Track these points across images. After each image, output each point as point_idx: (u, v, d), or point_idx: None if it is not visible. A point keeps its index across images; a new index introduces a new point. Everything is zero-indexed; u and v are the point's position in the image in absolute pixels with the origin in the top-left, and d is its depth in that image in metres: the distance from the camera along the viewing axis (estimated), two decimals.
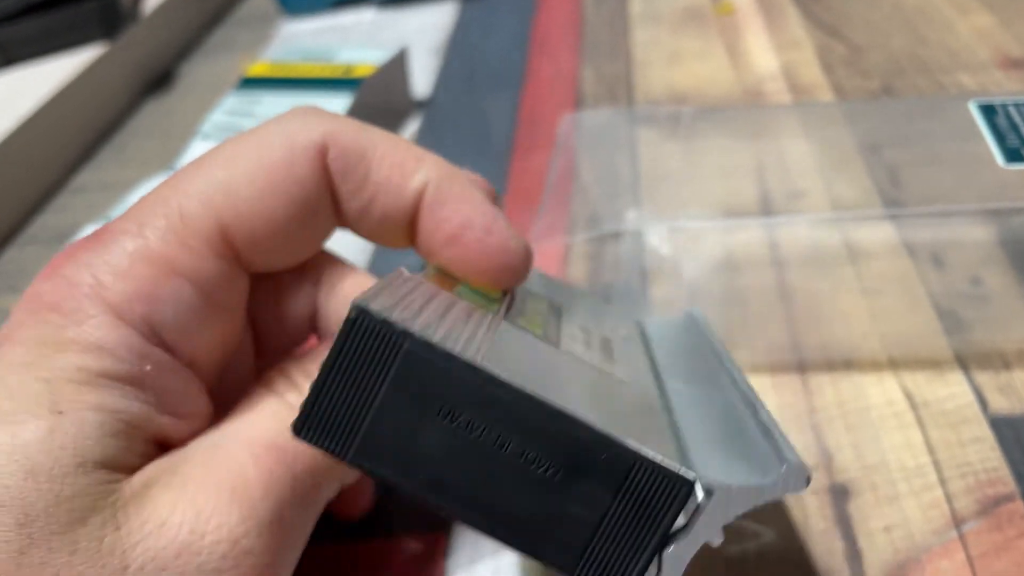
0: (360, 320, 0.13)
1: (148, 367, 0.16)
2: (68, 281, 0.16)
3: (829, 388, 0.26)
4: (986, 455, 0.23)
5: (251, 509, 0.16)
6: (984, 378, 0.25)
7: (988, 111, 0.26)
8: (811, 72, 0.41)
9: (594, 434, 0.13)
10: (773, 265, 0.29)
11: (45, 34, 0.49)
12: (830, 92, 0.39)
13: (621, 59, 0.45)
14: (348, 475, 0.19)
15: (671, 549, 0.14)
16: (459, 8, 0.54)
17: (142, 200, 0.18)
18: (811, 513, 0.22)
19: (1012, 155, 0.26)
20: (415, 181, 0.19)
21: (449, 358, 0.13)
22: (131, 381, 0.16)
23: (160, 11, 0.54)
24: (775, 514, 0.22)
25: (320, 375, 0.14)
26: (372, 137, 0.19)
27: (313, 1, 0.57)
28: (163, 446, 0.17)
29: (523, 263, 0.19)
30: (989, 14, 0.42)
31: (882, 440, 0.24)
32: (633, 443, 0.13)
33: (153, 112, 0.50)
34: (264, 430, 0.17)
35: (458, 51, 0.50)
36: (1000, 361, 0.25)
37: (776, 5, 0.47)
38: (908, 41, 0.41)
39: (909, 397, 0.25)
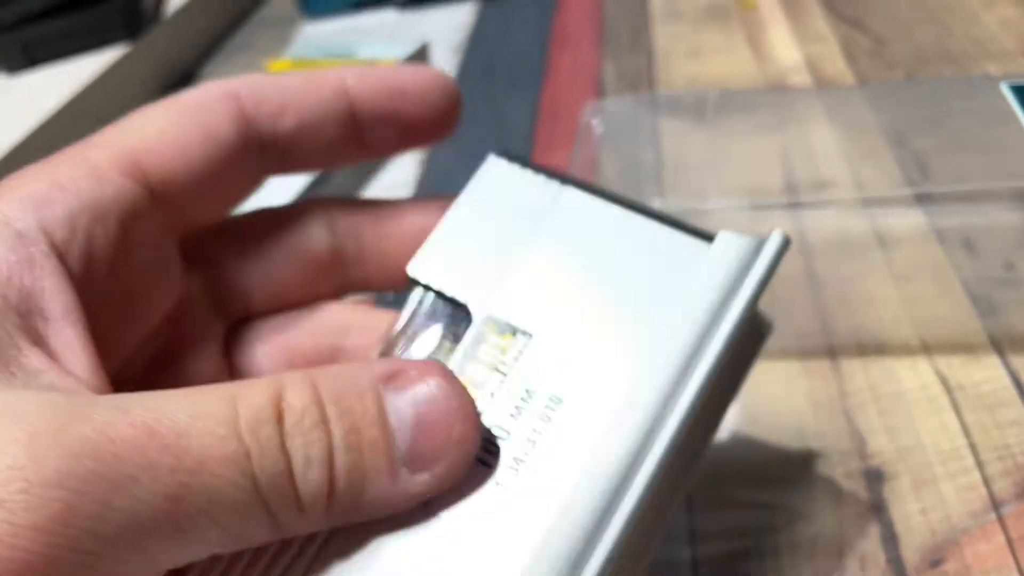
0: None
1: (14, 259, 0.15)
2: None
3: (860, 373, 0.25)
4: None
5: (34, 461, 0.12)
6: (1020, 361, 0.24)
7: (1022, 92, 0.26)
8: (835, 64, 0.40)
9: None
10: (801, 252, 0.29)
11: (68, 35, 0.49)
12: (854, 83, 0.39)
13: (642, 53, 0.45)
14: (290, 519, 0.14)
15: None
16: (479, 8, 0.55)
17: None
18: (845, 497, 0.22)
19: None
20: (333, 78, 0.19)
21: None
22: None
23: (182, 12, 0.54)
24: (808, 498, 0.22)
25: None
26: (288, 75, 0.20)
27: (334, 2, 0.57)
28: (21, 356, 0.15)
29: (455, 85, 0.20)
30: (1014, 5, 0.42)
31: (916, 424, 0.23)
32: None
33: None
34: (160, 414, 0.13)
35: (478, 48, 0.50)
36: None
37: None
38: (933, 32, 0.41)
39: (943, 381, 0.24)
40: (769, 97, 0.36)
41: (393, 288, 0.21)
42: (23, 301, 0.15)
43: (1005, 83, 0.27)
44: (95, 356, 0.16)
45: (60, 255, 0.16)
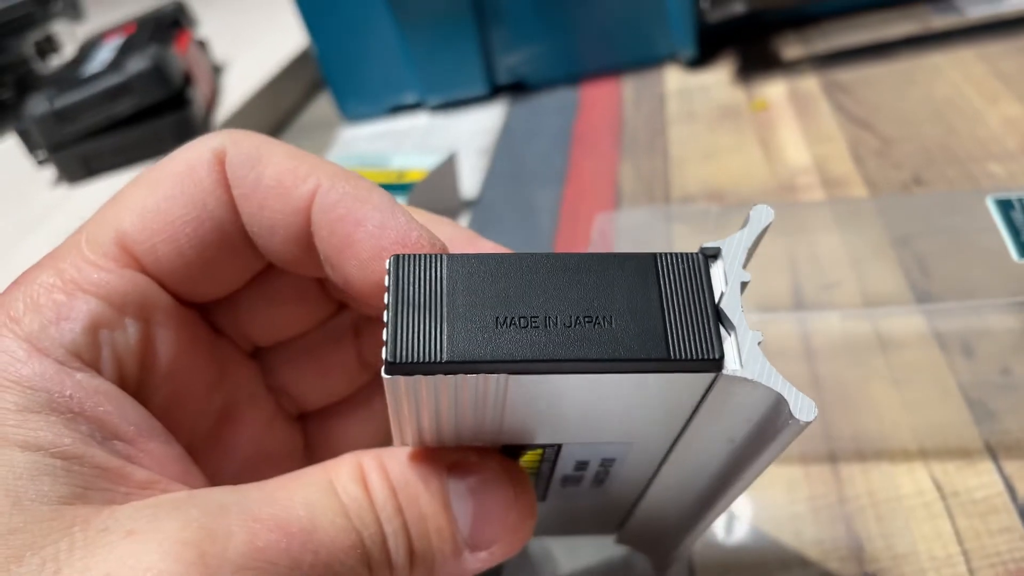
0: (401, 259, 0.15)
1: (68, 392, 0.16)
2: None
3: (860, 478, 0.26)
4: (1015, 544, 0.23)
5: None
6: (1013, 467, 0.25)
7: (1005, 206, 0.27)
8: (842, 165, 0.42)
9: (613, 257, 0.16)
10: (805, 356, 0.30)
11: (124, 148, 0.53)
12: (861, 184, 0.40)
13: (659, 156, 0.47)
14: None
15: (722, 301, 0.15)
16: (506, 111, 0.58)
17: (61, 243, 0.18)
18: None
19: None
20: (306, 184, 0.18)
21: (479, 259, 0.16)
22: (55, 410, 0.15)
23: (230, 122, 0.58)
24: None
25: (387, 315, 0.15)
26: (270, 145, 0.18)
27: (371, 108, 0.61)
28: (128, 478, 0.16)
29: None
30: (1019, 103, 0.43)
31: (912, 530, 0.24)
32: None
33: None
34: (284, 511, 0.15)
35: (504, 152, 0.53)
36: None
37: (808, 100, 0.49)
38: (938, 132, 0.43)
39: (939, 487, 0.25)
40: (776, 209, 0.38)
41: None
42: (98, 431, 0.16)
43: (990, 197, 0.28)
44: (183, 454, 0.18)
45: (97, 369, 0.17)
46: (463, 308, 0.15)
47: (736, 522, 0.26)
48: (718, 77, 0.54)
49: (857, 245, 0.34)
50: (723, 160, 0.45)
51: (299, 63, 0.66)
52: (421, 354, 0.15)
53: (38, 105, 0.50)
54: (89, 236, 0.18)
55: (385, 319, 0.15)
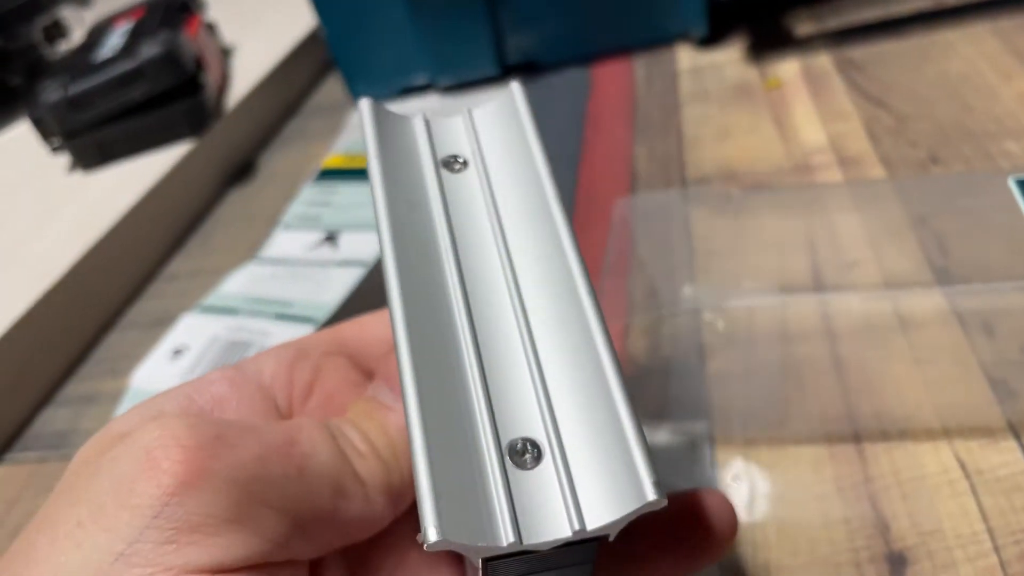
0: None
1: None
2: None
3: (884, 457, 0.27)
4: None
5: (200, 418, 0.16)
6: None
7: None
8: (858, 143, 0.42)
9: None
10: (826, 337, 0.31)
11: (138, 135, 0.53)
12: (877, 162, 0.40)
13: (673, 136, 0.47)
14: (373, 469, 0.19)
15: None
16: None
17: None
18: None
19: None
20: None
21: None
22: None
23: (241, 106, 0.58)
24: None
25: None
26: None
27: (381, 90, 0.61)
28: None
29: None
30: None
31: (937, 508, 0.25)
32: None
33: (236, 202, 0.54)
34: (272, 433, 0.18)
35: None
36: None
37: (823, 77, 0.49)
38: (953, 109, 0.43)
39: (963, 465, 0.26)
40: (794, 191, 0.38)
41: None
42: None
43: (1011, 177, 0.28)
44: None
45: None
46: None
47: (761, 502, 0.26)
48: (730, 55, 0.54)
49: (876, 226, 0.34)
50: (738, 140, 0.45)
51: (308, 45, 0.66)
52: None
53: (52, 92, 0.50)
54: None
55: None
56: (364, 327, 0.23)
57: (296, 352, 0.21)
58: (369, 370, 0.22)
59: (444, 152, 0.20)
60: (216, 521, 0.15)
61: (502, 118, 0.20)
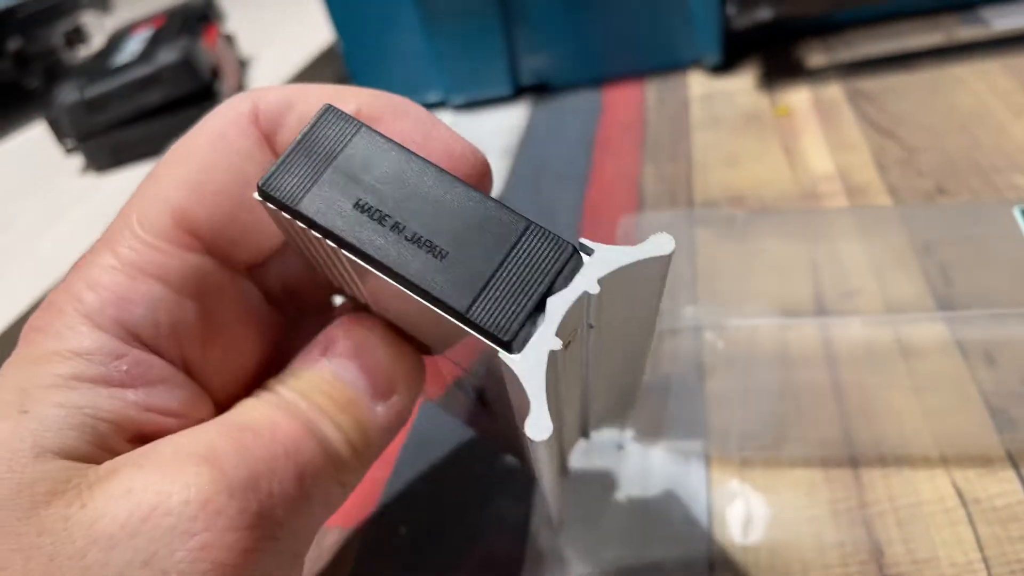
0: (329, 111, 0.17)
1: (124, 367, 0.17)
2: (51, 304, 0.17)
3: (881, 483, 0.26)
4: None
5: (222, 472, 0.15)
6: None
7: None
8: (866, 173, 0.42)
9: (496, 206, 0.16)
10: (826, 361, 0.31)
11: (153, 138, 0.54)
12: (885, 192, 0.40)
13: (682, 160, 0.47)
14: (345, 475, 0.19)
15: (554, 297, 0.16)
16: (529, 112, 0.58)
17: (111, 223, 0.18)
18: None
19: None
20: (346, 107, 0.18)
21: (388, 145, 0.17)
22: (105, 381, 0.16)
23: None
24: None
25: (288, 148, 0.17)
26: (301, 88, 0.19)
27: None
28: None
29: (474, 170, 0.19)
30: None
31: (933, 536, 0.24)
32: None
33: None
34: (242, 415, 0.17)
35: (527, 152, 0.53)
36: None
37: (832, 107, 0.49)
38: (962, 143, 0.43)
39: (960, 494, 0.26)
40: (799, 216, 0.38)
41: None
42: (145, 406, 0.17)
43: (1017, 207, 0.28)
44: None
45: (156, 351, 0.18)
46: (342, 177, 0.17)
47: (755, 524, 0.26)
48: (742, 83, 0.55)
49: (879, 252, 0.34)
50: (746, 166, 0.45)
51: (324, 59, 0.67)
52: (283, 193, 0.16)
53: (69, 94, 0.51)
54: (140, 217, 0.18)
55: (286, 149, 0.17)
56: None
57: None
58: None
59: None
60: None
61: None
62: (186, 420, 0.18)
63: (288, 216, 0.16)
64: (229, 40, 0.65)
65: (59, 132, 0.52)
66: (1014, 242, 0.29)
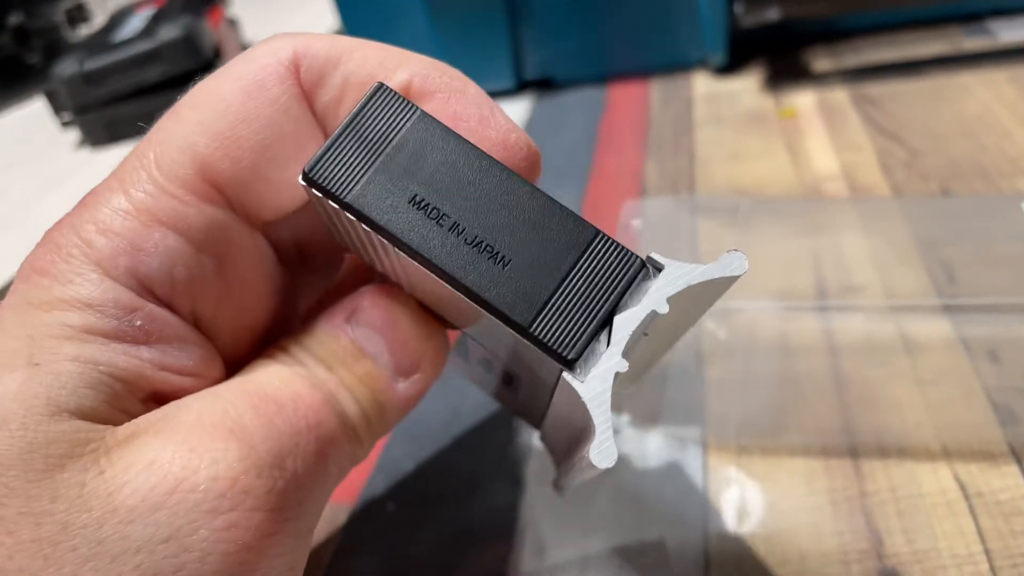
0: (381, 90, 0.16)
1: (138, 322, 0.16)
2: (56, 244, 0.16)
3: (881, 474, 0.26)
4: None
5: (250, 449, 0.15)
6: None
7: None
8: (870, 174, 0.42)
9: (561, 211, 0.15)
10: (828, 352, 0.30)
11: (150, 115, 0.53)
12: (889, 192, 0.40)
13: (684, 156, 0.47)
14: (357, 451, 0.18)
15: (622, 315, 0.15)
16: (532, 106, 0.58)
17: (124, 159, 0.17)
18: None
19: None
20: (398, 76, 0.17)
21: (446, 134, 0.16)
22: (118, 336, 0.15)
23: None
24: None
25: (337, 129, 0.15)
26: (347, 43, 0.18)
27: None
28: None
29: (526, 162, 0.18)
30: None
31: (934, 527, 0.24)
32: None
33: None
34: (264, 384, 0.16)
35: None
36: None
37: (837, 110, 0.49)
38: (967, 148, 0.43)
39: (962, 487, 0.25)
40: (802, 205, 0.38)
41: None
42: (160, 364, 0.16)
43: None
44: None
45: (170, 307, 0.17)
46: (397, 167, 0.15)
47: (751, 511, 0.26)
48: (747, 85, 0.54)
49: (883, 246, 0.34)
50: (749, 163, 0.45)
51: None
52: (333, 182, 0.15)
53: (68, 66, 0.50)
54: (160, 159, 0.16)
55: (334, 132, 0.16)
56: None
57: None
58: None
59: None
60: None
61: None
62: (200, 380, 0.17)
63: (335, 206, 0.15)
64: (232, 24, 0.65)
65: (56, 105, 0.52)
66: (1021, 238, 0.29)
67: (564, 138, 0.52)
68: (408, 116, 0.16)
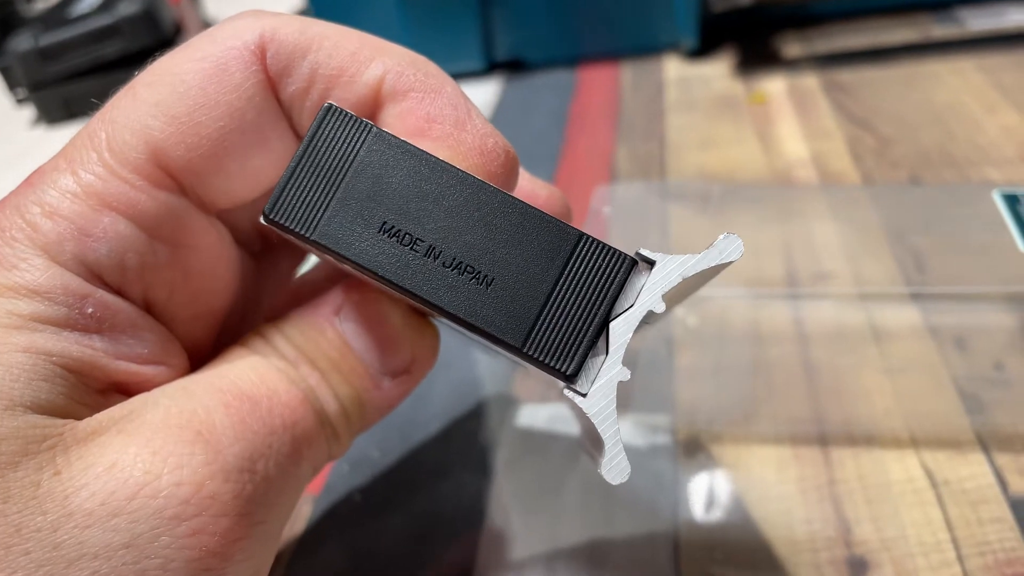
0: (331, 112, 0.15)
1: (89, 309, 0.15)
2: (0, 227, 0.15)
3: (850, 462, 0.26)
4: (1005, 535, 0.23)
5: (217, 453, 0.14)
6: (1005, 460, 0.25)
7: (1011, 200, 0.27)
8: (840, 161, 0.42)
9: (540, 218, 0.14)
10: (798, 340, 0.30)
11: (108, 92, 0.52)
12: (859, 180, 0.40)
13: (655, 141, 0.47)
14: (334, 449, 0.18)
15: (618, 319, 0.14)
16: (502, 88, 0.57)
17: (74, 136, 0.16)
18: None
19: None
20: (371, 70, 0.16)
21: (405, 150, 0.15)
22: (69, 324, 0.15)
23: None
24: None
25: (291, 163, 0.15)
26: (318, 29, 0.16)
27: None
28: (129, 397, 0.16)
29: (503, 168, 0.17)
30: (1016, 113, 0.43)
31: (902, 515, 0.24)
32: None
33: None
34: (238, 379, 0.16)
35: (499, 127, 0.52)
36: (1021, 444, 0.26)
37: (808, 96, 0.49)
38: (936, 135, 0.43)
39: (930, 475, 0.25)
40: (773, 191, 0.38)
41: None
42: (113, 352, 0.15)
43: (997, 191, 0.28)
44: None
45: (120, 293, 0.16)
46: (359, 195, 0.15)
47: (721, 499, 0.25)
48: (718, 70, 0.54)
49: (853, 234, 0.34)
50: (720, 149, 0.45)
51: None
52: (295, 221, 0.14)
53: (22, 42, 0.48)
54: (111, 139, 0.15)
55: (288, 165, 0.15)
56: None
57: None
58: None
59: None
60: None
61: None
62: (163, 368, 0.16)
63: (303, 244, 0.15)
64: (194, 0, 0.63)
65: (11, 81, 0.50)
66: (991, 228, 0.29)
67: (534, 121, 0.52)
68: (363, 136, 0.15)
